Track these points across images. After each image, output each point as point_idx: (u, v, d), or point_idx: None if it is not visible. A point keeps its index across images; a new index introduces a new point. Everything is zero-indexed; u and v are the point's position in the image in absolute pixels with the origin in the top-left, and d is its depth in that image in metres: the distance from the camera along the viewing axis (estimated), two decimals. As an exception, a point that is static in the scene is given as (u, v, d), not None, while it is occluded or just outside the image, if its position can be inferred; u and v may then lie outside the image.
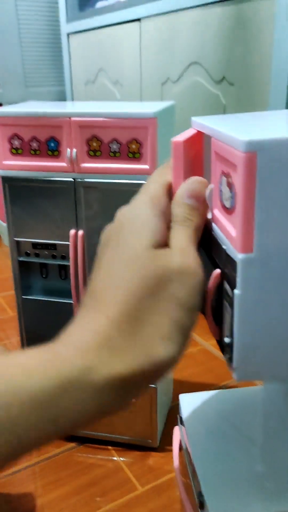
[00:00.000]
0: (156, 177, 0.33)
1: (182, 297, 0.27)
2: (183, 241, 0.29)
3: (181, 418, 0.50)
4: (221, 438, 0.46)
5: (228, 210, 0.28)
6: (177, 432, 0.52)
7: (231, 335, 0.29)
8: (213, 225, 0.32)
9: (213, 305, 0.31)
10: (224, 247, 0.29)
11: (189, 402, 0.50)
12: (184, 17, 1.13)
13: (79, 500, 0.73)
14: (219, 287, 0.31)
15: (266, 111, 0.41)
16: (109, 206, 0.67)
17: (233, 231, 0.27)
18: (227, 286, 0.29)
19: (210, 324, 0.32)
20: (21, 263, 0.76)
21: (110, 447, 0.82)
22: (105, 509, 0.72)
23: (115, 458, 0.81)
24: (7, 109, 0.66)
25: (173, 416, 0.88)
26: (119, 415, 0.78)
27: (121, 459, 0.80)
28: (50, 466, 0.79)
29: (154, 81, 1.30)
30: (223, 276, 0.30)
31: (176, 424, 0.53)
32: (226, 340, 0.30)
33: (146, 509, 0.71)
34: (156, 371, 0.27)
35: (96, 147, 0.64)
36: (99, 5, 1.60)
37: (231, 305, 0.28)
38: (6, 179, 0.70)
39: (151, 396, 0.76)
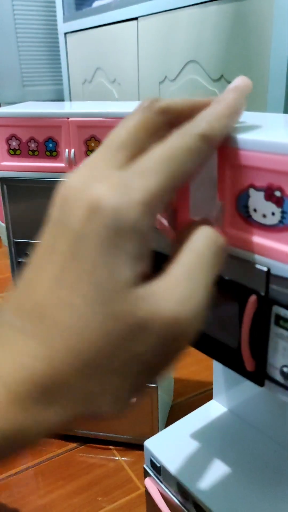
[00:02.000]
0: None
1: (158, 361, 0.22)
2: (195, 277, 0.22)
3: (154, 464, 0.46)
4: (208, 462, 0.45)
5: (272, 228, 0.25)
6: (151, 484, 0.48)
7: None
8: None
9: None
10: (263, 268, 0.26)
11: (156, 445, 0.47)
12: (181, 16, 1.13)
13: (81, 500, 0.73)
14: (256, 314, 0.28)
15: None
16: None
17: None
18: (282, 311, 0.26)
19: (246, 357, 0.29)
20: (20, 264, 0.76)
21: (111, 447, 0.82)
22: (107, 509, 0.72)
23: (116, 458, 0.81)
24: (4, 110, 0.66)
25: (174, 414, 0.88)
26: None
27: (123, 458, 0.80)
28: (52, 466, 0.79)
29: (152, 79, 1.30)
30: (263, 301, 0.27)
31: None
32: (286, 369, 0.27)
33: (148, 509, 0.72)
34: (90, 419, 0.22)
35: (95, 147, 0.64)
36: (96, 4, 1.59)
37: None
38: (4, 180, 0.69)
39: (151, 395, 0.76)
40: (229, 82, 1.05)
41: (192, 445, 0.47)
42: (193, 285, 0.22)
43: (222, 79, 1.06)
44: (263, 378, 0.29)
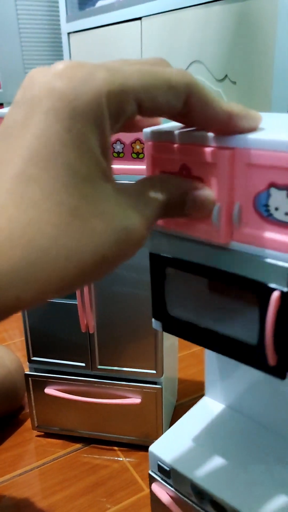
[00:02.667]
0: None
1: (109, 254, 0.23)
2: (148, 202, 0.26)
3: (162, 469, 0.46)
4: (218, 458, 0.45)
5: None
6: (159, 490, 0.47)
7: None
8: (238, 244, 0.30)
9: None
10: (286, 265, 0.27)
11: (162, 449, 0.47)
12: (185, 16, 1.13)
13: (86, 501, 0.73)
14: (279, 310, 0.29)
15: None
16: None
17: None
18: None
19: (269, 352, 0.30)
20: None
21: (115, 448, 0.82)
22: (112, 510, 0.72)
23: (120, 459, 0.81)
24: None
25: (178, 415, 0.88)
26: (125, 415, 0.78)
27: (127, 459, 0.80)
28: (56, 467, 0.79)
29: (156, 80, 1.30)
30: (286, 297, 0.28)
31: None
32: None
33: (152, 510, 0.71)
34: None
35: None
36: (99, 4, 1.59)
37: None
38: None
39: (156, 396, 0.76)
40: (233, 82, 1.06)
41: (197, 444, 0.47)
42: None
43: (227, 79, 1.05)
44: (284, 371, 0.30)
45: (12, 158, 0.21)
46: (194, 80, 0.25)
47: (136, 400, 0.76)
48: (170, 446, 0.47)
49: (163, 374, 0.75)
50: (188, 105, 0.25)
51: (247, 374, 0.48)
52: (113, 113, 0.22)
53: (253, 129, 0.28)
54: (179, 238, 0.33)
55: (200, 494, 0.43)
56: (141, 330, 0.73)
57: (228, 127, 0.27)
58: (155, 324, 0.38)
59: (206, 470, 0.43)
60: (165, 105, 0.24)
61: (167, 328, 0.38)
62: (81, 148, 0.21)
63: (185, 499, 0.45)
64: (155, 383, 0.76)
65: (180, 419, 0.51)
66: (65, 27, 1.73)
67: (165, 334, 0.74)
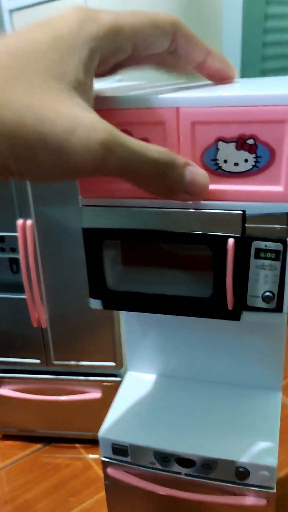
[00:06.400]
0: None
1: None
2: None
3: (118, 449, 0.45)
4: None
5: (246, 173, 0.28)
6: (115, 471, 0.46)
7: (279, 287, 0.30)
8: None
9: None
10: (239, 212, 0.29)
11: (112, 431, 0.46)
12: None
13: (49, 503, 0.70)
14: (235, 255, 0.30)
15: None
16: (61, 190, 0.62)
17: (272, 188, 0.27)
18: (261, 244, 0.30)
19: (229, 297, 0.32)
20: None
21: (78, 445, 0.79)
22: (78, 509, 0.68)
23: (83, 456, 0.77)
24: None
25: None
26: (85, 411, 0.75)
27: (90, 456, 0.77)
28: (16, 470, 0.75)
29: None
30: (241, 242, 0.30)
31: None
32: (268, 294, 0.31)
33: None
34: None
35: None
36: (40, -22, 1.51)
37: (278, 258, 0.30)
38: None
39: (116, 389, 0.73)
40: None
41: (142, 416, 0.47)
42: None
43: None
44: (239, 313, 0.33)
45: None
46: (179, 19, 0.27)
47: (96, 394, 0.73)
48: (118, 426, 0.46)
49: (123, 366, 0.72)
50: (174, 41, 0.27)
51: (170, 341, 0.49)
52: (108, 43, 0.25)
53: (223, 71, 0.28)
54: (114, 208, 0.31)
55: (165, 458, 0.43)
56: (97, 321, 0.69)
57: (205, 64, 0.28)
58: (94, 303, 0.37)
59: (161, 435, 0.44)
60: (155, 42, 0.26)
61: (109, 305, 0.37)
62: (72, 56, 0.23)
63: (146, 469, 0.45)
64: (114, 375, 0.73)
65: (115, 399, 0.50)
66: (6, 4, 1.64)
67: (123, 323, 0.70)
